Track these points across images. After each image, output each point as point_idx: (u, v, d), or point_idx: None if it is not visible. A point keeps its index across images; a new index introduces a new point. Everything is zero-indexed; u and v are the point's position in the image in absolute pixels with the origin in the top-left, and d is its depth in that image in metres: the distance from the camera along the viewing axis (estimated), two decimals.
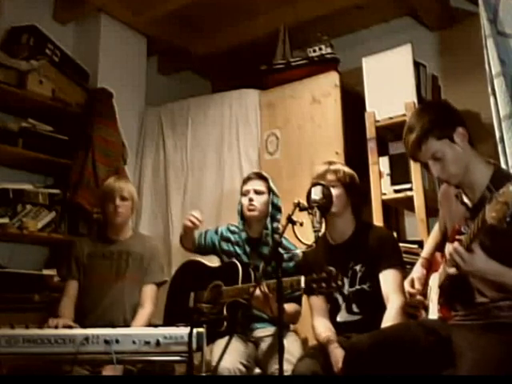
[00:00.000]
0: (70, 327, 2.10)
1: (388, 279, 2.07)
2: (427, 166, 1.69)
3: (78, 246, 2.67)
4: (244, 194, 2.57)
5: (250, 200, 2.51)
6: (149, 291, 2.55)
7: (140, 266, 2.58)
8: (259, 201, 2.52)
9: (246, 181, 2.62)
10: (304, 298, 2.32)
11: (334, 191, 2.05)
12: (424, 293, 1.87)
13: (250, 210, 2.52)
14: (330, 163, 2.25)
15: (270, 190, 2.56)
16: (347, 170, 2.26)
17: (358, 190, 2.26)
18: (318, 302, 2.19)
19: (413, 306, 1.91)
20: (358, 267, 2.14)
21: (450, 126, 1.67)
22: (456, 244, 1.52)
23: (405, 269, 2.16)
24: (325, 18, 3.59)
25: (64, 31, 3.69)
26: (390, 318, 1.95)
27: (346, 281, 2.15)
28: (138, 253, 2.60)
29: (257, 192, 2.53)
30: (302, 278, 2.01)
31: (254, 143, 3.47)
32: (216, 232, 2.67)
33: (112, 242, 2.64)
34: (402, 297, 2.00)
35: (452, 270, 1.58)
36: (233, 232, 2.63)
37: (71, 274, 2.59)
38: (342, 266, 2.14)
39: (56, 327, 2.10)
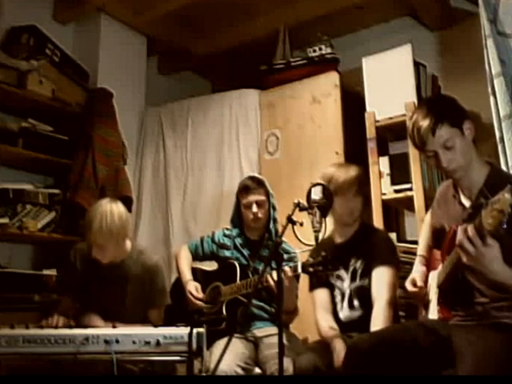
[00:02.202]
0: (70, 327, 2.10)
1: (379, 276, 2.09)
2: (436, 155, 1.66)
3: (72, 258, 2.44)
4: (246, 206, 2.51)
5: (255, 214, 2.48)
6: (153, 318, 2.40)
7: (141, 292, 2.36)
8: (262, 211, 2.51)
9: (244, 190, 2.52)
10: (306, 296, 2.32)
11: (358, 200, 2.18)
12: (426, 290, 1.88)
13: (254, 222, 2.51)
14: (341, 165, 2.28)
15: (268, 195, 2.53)
16: None
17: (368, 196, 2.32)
18: (321, 296, 2.21)
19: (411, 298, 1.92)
20: (358, 264, 2.17)
21: (461, 116, 1.68)
22: (470, 228, 1.39)
23: (399, 269, 2.18)
24: (325, 17, 3.59)
25: (64, 31, 3.70)
26: (377, 316, 1.98)
27: (347, 277, 2.17)
28: (137, 277, 2.35)
29: (259, 204, 2.50)
30: (299, 264, 2.05)
31: (254, 143, 3.47)
32: (213, 239, 2.64)
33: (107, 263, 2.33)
34: (389, 294, 2.03)
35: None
36: (228, 236, 2.61)
37: (65, 291, 2.49)
38: (344, 263, 2.19)
39: (56, 326, 2.10)
